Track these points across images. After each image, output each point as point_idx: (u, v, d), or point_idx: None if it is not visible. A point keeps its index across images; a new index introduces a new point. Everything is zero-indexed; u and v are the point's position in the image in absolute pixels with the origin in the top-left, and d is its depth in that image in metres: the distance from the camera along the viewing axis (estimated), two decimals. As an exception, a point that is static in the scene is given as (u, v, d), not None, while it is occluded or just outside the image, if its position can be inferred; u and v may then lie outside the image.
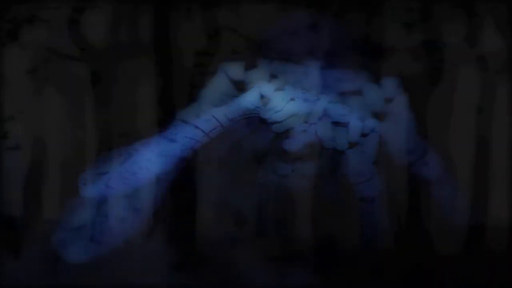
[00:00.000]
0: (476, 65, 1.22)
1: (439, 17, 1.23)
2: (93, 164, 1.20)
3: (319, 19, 1.14)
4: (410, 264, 1.22)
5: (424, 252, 1.20)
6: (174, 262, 1.19)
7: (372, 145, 1.23)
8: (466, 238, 1.20)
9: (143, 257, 1.18)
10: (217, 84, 1.13)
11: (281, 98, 1.14)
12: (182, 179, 1.16)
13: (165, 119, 1.13)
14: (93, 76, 1.21)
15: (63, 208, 1.17)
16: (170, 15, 1.21)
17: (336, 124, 1.19)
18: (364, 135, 1.19)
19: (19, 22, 1.22)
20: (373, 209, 1.25)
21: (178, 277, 1.20)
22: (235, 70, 1.13)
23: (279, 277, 1.20)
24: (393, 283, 1.20)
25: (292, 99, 1.14)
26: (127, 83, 1.22)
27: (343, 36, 1.14)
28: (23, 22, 1.22)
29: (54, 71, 1.23)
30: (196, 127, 1.16)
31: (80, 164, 1.21)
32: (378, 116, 1.13)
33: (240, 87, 1.11)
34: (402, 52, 1.20)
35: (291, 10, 1.14)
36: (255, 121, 1.15)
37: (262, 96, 1.15)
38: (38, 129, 1.23)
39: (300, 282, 1.20)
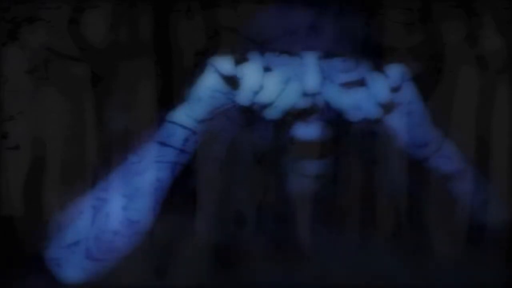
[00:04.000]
0: (476, 65, 1.22)
1: (439, 17, 1.23)
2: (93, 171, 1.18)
3: (319, 14, 1.10)
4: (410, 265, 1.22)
5: (425, 252, 1.20)
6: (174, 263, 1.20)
7: (414, 100, 1.09)
8: (466, 237, 1.20)
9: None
10: (207, 81, 1.10)
11: (271, 87, 1.06)
12: (181, 179, 1.15)
13: (165, 119, 1.12)
14: (93, 76, 1.21)
15: (63, 209, 1.17)
16: (170, 15, 1.21)
17: (348, 86, 1.08)
18: (395, 89, 1.06)
19: (19, 22, 1.22)
20: (465, 187, 1.13)
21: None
22: (225, 64, 1.09)
23: (279, 277, 1.21)
24: (393, 284, 1.20)
25: (285, 88, 1.06)
26: (127, 83, 1.22)
27: (343, 29, 1.10)
28: (23, 22, 1.22)
29: (54, 71, 1.23)
30: (186, 128, 1.11)
31: (80, 164, 1.21)
32: (384, 107, 1.06)
33: (232, 82, 1.08)
34: (402, 52, 1.20)
35: (291, 7, 1.14)
36: (237, 113, 1.08)
37: (224, 77, 1.07)
38: (38, 129, 1.23)
39: (299, 282, 1.21)
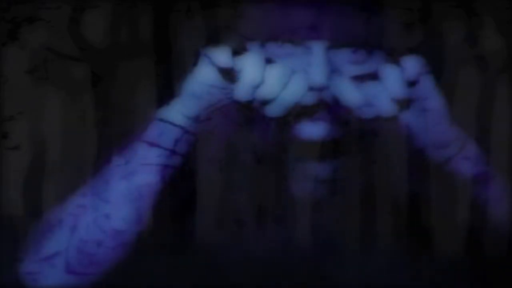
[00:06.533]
0: (476, 65, 1.21)
1: (439, 17, 1.23)
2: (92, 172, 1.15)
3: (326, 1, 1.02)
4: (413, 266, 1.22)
5: (428, 253, 1.19)
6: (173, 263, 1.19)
7: (430, 96, 0.99)
8: (466, 238, 1.19)
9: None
10: (201, 75, 1.03)
11: (273, 80, 0.97)
12: (180, 180, 1.14)
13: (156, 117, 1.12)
14: (93, 76, 1.22)
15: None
16: (170, 15, 1.21)
17: (359, 79, 0.98)
18: (412, 83, 0.97)
19: (19, 22, 1.22)
20: (487, 191, 1.06)
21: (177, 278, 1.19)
22: (221, 56, 1.01)
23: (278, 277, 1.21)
24: (392, 283, 1.20)
25: (288, 81, 0.96)
26: (127, 83, 1.22)
27: (353, 17, 1.03)
28: (23, 22, 1.22)
29: (54, 71, 1.23)
30: (178, 127, 1.03)
31: (80, 164, 1.21)
32: (400, 103, 0.98)
33: (229, 76, 1.00)
34: (402, 52, 1.20)
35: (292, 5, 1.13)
36: (236, 110, 0.99)
37: (221, 70, 0.98)
38: (38, 129, 1.23)
39: (299, 284, 1.20)
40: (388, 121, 1.00)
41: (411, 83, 0.99)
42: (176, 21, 1.20)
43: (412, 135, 1.05)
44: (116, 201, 1.05)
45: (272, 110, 0.99)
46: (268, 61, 1.01)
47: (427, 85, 1.02)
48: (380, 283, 1.21)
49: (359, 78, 1.02)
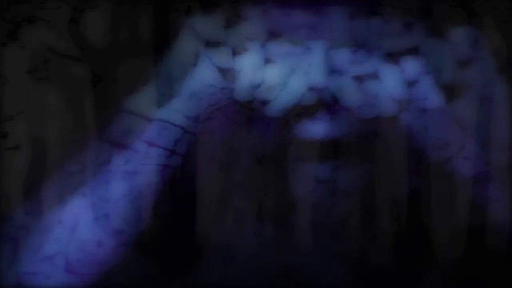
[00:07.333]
0: (476, 65, 1.22)
1: (439, 17, 1.23)
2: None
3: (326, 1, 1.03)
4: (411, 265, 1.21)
5: (426, 253, 1.19)
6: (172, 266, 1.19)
7: (430, 96, 1.00)
8: (466, 238, 1.19)
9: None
10: (201, 75, 1.05)
11: (272, 80, 0.99)
12: (180, 180, 1.14)
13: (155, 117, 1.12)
14: (93, 76, 1.22)
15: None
16: (170, 15, 1.21)
17: (359, 79, 0.97)
18: (412, 83, 0.98)
19: (19, 22, 1.22)
20: (487, 191, 1.06)
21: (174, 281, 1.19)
22: (221, 56, 1.03)
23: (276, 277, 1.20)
24: (392, 284, 1.20)
25: (287, 82, 0.97)
26: (127, 83, 1.22)
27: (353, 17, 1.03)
28: (23, 22, 1.22)
29: (54, 71, 1.23)
30: (177, 127, 1.05)
31: (80, 164, 1.21)
32: (400, 103, 1.00)
33: (229, 76, 1.02)
34: (402, 52, 1.20)
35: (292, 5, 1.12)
36: (235, 110, 1.01)
37: (221, 70, 0.99)
38: (38, 129, 1.23)
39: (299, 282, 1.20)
40: (388, 121, 1.02)
41: (411, 83, 1.01)
42: (176, 21, 1.20)
43: (412, 135, 1.07)
44: (116, 201, 1.06)
45: (272, 110, 1.01)
46: (268, 61, 1.03)
47: (427, 85, 1.04)
48: (379, 284, 1.20)
49: (359, 78, 1.03)
